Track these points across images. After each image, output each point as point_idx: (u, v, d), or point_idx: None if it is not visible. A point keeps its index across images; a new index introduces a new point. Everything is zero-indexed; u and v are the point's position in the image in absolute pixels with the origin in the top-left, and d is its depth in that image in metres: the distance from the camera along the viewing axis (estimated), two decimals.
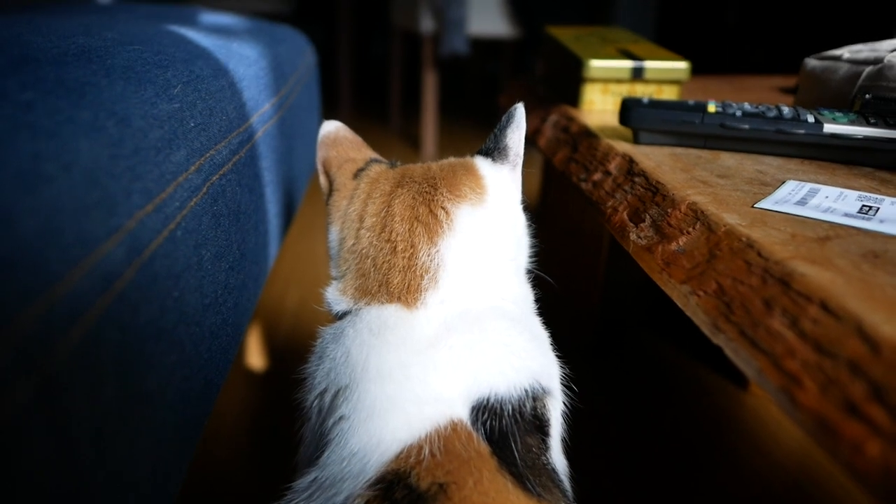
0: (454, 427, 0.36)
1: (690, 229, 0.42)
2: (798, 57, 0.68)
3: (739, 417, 0.96)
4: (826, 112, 0.54)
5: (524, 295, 0.48)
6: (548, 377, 0.42)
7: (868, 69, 0.58)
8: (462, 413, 0.38)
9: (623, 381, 1.04)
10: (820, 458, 0.86)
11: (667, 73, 0.72)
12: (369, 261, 0.45)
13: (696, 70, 0.74)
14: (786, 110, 0.54)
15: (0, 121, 0.26)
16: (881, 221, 0.40)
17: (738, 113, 0.54)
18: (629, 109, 0.57)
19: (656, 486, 0.82)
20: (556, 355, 0.45)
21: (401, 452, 0.35)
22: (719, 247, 0.39)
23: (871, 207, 0.42)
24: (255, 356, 1.07)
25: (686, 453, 0.88)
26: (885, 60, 0.56)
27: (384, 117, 2.75)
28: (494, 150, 0.51)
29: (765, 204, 0.43)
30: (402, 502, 0.32)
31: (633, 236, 0.47)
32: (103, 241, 0.27)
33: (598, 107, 0.74)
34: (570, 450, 0.43)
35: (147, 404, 0.31)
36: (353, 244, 0.47)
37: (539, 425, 0.39)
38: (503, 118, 0.51)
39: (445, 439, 0.35)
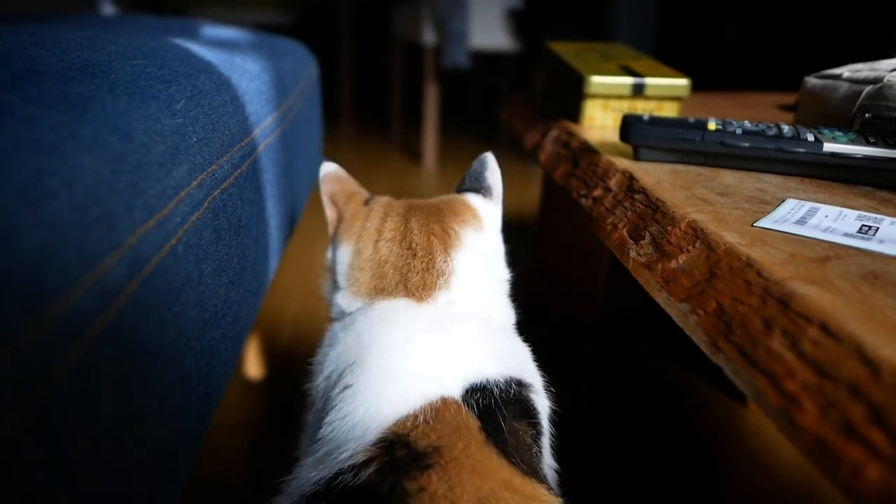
0: (444, 401, 0.40)
1: (690, 247, 0.42)
2: (796, 72, 0.68)
3: (739, 432, 0.95)
4: (826, 131, 0.54)
5: (509, 314, 0.55)
6: (532, 379, 0.47)
7: (868, 88, 0.58)
8: (454, 394, 0.41)
9: (623, 394, 1.04)
10: (820, 475, 0.85)
11: (667, 89, 0.72)
12: (388, 265, 0.51)
13: (696, 85, 0.74)
14: (786, 129, 0.54)
15: (4, 136, 0.26)
16: (881, 242, 0.40)
17: (739, 131, 0.54)
18: (630, 126, 0.57)
19: (655, 499, 0.82)
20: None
21: (398, 419, 0.39)
22: (719, 265, 0.39)
23: (870, 227, 0.42)
24: (254, 366, 1.07)
25: (685, 467, 0.87)
26: (885, 80, 0.56)
27: (385, 128, 2.76)
28: (482, 189, 0.59)
29: (764, 223, 0.43)
30: (402, 459, 0.36)
31: (632, 253, 0.47)
32: (104, 257, 0.27)
33: (599, 122, 0.74)
34: (568, 461, 0.44)
35: (145, 420, 0.31)
36: (372, 254, 0.52)
37: (525, 410, 0.43)
38: (475, 164, 0.60)
39: (437, 410, 0.39)
